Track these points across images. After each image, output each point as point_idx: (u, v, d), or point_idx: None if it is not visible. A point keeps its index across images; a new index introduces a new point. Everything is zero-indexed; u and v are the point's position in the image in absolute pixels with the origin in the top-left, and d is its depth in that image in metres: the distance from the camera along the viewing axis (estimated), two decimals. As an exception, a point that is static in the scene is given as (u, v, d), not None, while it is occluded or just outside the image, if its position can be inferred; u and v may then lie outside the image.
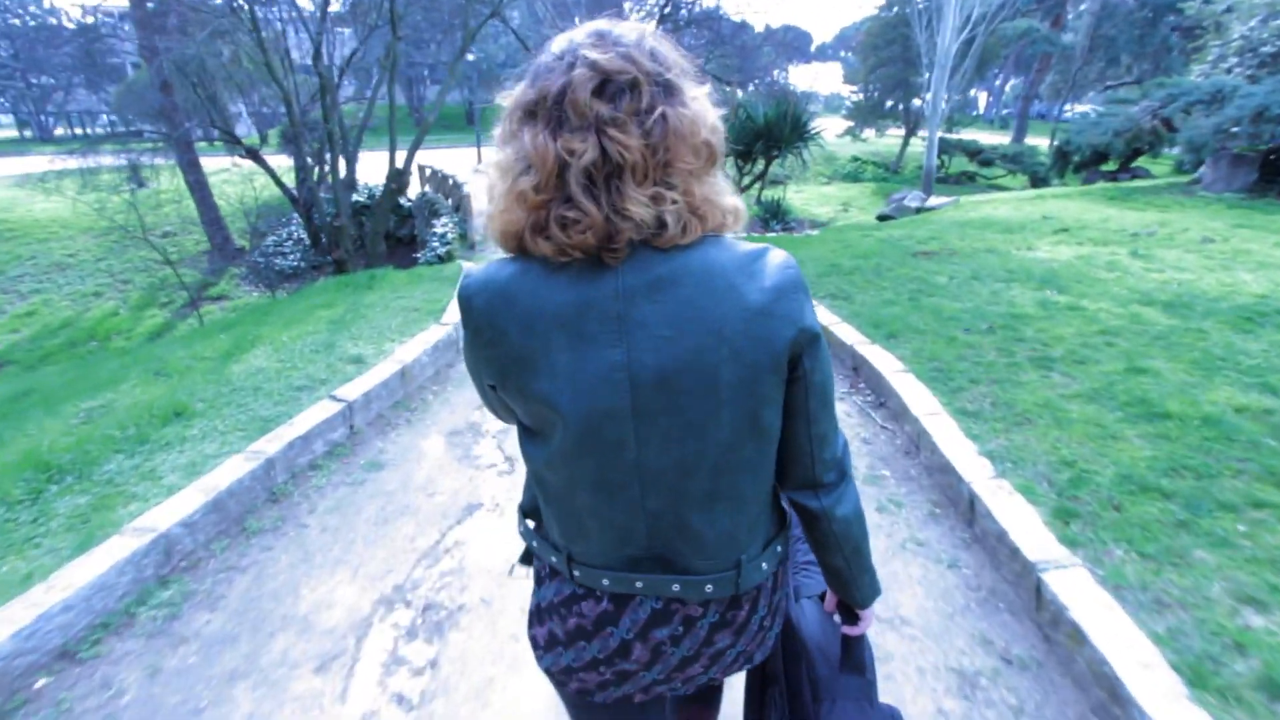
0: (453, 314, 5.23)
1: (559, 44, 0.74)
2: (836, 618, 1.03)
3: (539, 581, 0.93)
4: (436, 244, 9.90)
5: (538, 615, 0.92)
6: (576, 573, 0.84)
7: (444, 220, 10.20)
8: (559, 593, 0.87)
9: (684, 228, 0.72)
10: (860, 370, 4.11)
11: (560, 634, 0.88)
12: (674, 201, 0.71)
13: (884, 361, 3.88)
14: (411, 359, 4.13)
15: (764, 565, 0.86)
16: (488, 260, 0.80)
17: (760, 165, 10.51)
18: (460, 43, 9.05)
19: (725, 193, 0.78)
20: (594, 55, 0.69)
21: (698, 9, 16.81)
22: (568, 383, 0.73)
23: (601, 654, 0.85)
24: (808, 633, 1.03)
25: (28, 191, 15.75)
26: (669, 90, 0.72)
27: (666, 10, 15.71)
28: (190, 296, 11.91)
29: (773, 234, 9.62)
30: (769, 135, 9.56)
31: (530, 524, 0.93)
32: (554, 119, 0.70)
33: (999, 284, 5.46)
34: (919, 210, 13.43)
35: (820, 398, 0.80)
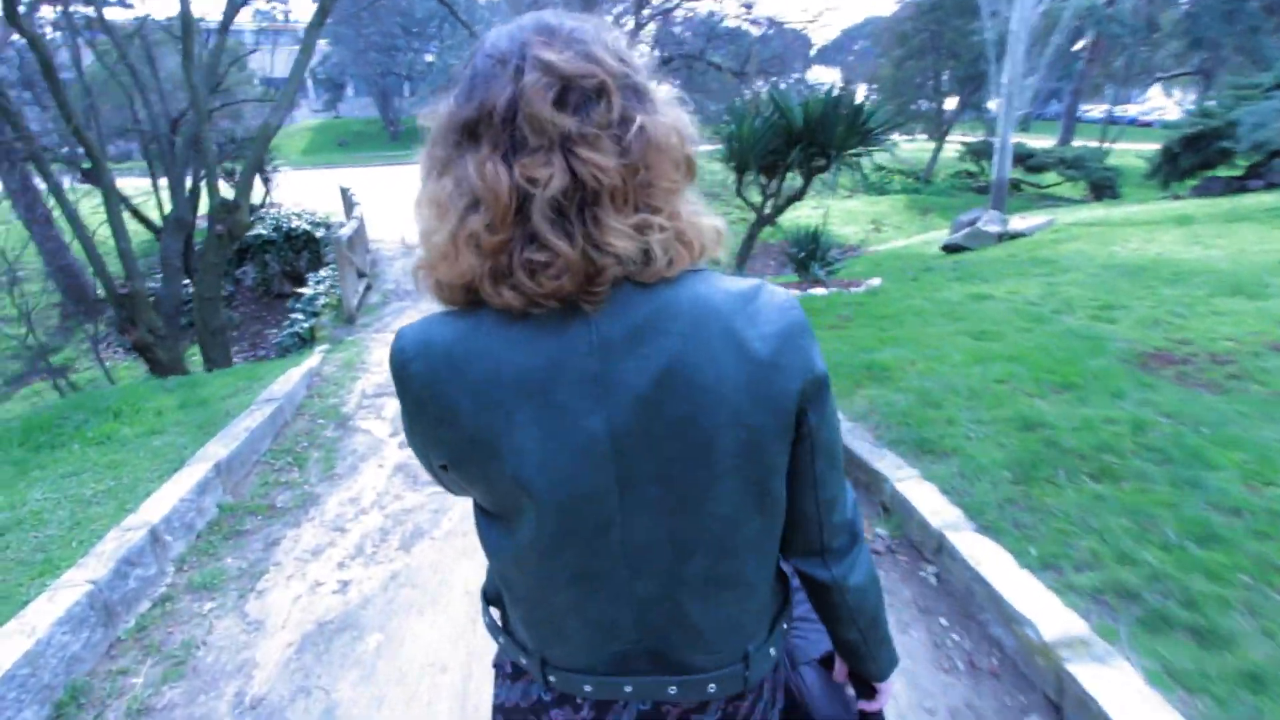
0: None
1: (498, 43, 0.57)
2: (849, 690, 0.88)
3: (501, 675, 0.79)
4: (300, 314, 6.42)
5: (504, 714, 0.78)
6: (553, 678, 0.70)
7: (319, 277, 6.72)
8: (526, 695, 0.75)
9: (671, 258, 0.59)
10: None
11: None
12: (661, 229, 0.57)
13: None
14: None
15: (772, 651, 0.73)
16: (421, 313, 0.65)
17: (795, 181, 7.05)
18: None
19: (704, 212, 0.63)
20: (548, 56, 0.54)
21: (693, 14, 13.42)
22: (539, 464, 0.58)
23: None
24: (816, 708, 0.86)
25: None
26: (639, 95, 0.58)
27: (646, 14, 12.36)
28: (34, 363, 8.32)
29: (821, 292, 6.10)
30: (812, 138, 6.06)
31: (495, 614, 0.78)
32: (504, 140, 0.55)
33: None
34: (1002, 237, 10.03)
35: (828, 458, 0.68)
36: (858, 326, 4.73)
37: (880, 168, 20.85)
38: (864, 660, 0.81)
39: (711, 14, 13.03)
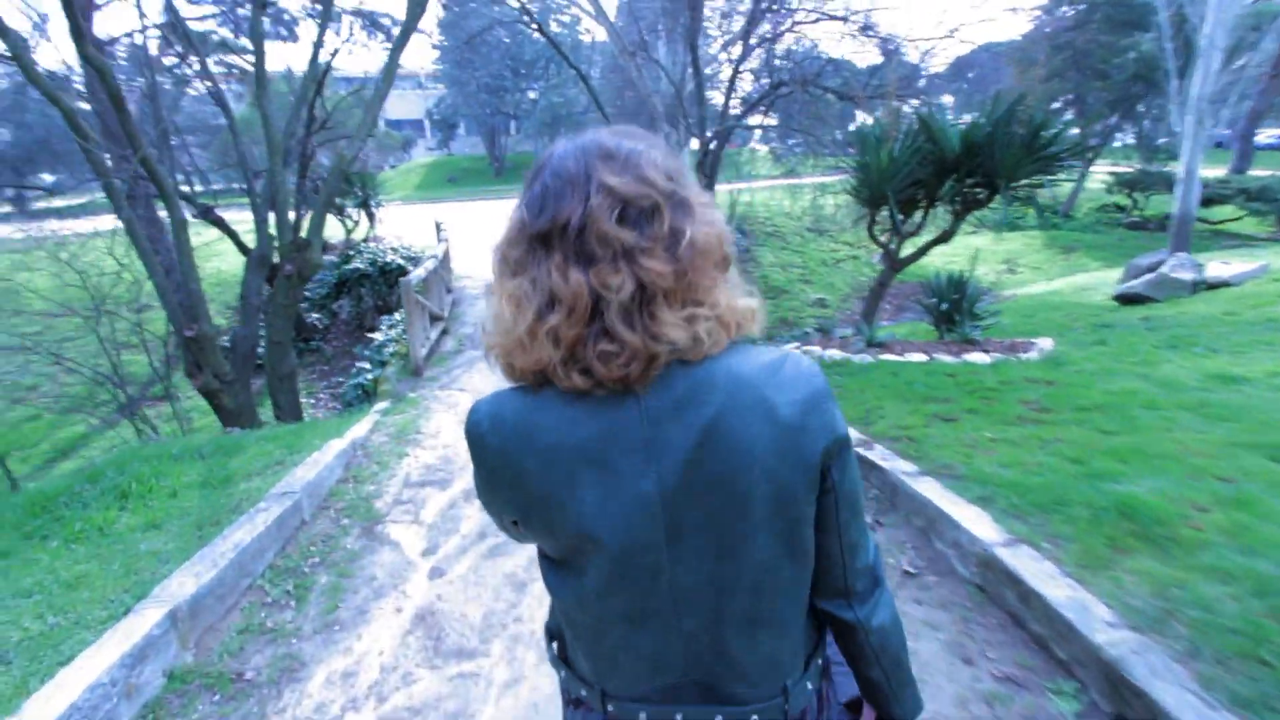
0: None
1: (565, 163, 0.68)
2: None
3: (568, 703, 0.86)
4: (367, 364, 5.82)
5: None
6: (611, 707, 0.78)
7: (392, 320, 6.15)
8: None
9: (714, 341, 0.68)
10: None
11: None
12: (705, 319, 0.67)
13: None
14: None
15: (809, 685, 0.80)
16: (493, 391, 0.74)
17: (942, 216, 5.77)
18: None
19: (740, 294, 0.73)
20: (610, 180, 0.66)
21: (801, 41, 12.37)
22: (599, 519, 0.68)
23: None
24: None
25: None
26: (685, 209, 0.69)
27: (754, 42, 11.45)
28: (117, 401, 8.37)
29: (981, 359, 4.81)
30: (973, 165, 4.79)
31: (556, 648, 0.87)
32: (576, 250, 0.65)
33: None
34: (1198, 286, 8.10)
35: (851, 507, 0.76)
36: (1061, 422, 3.39)
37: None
38: (889, 701, 0.84)
39: (814, 45, 12.00)
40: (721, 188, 14.46)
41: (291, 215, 8.13)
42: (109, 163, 5.25)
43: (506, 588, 2.59)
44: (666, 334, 0.65)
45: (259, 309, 6.37)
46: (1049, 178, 4.99)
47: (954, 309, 6.62)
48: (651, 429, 0.66)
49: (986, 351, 5.30)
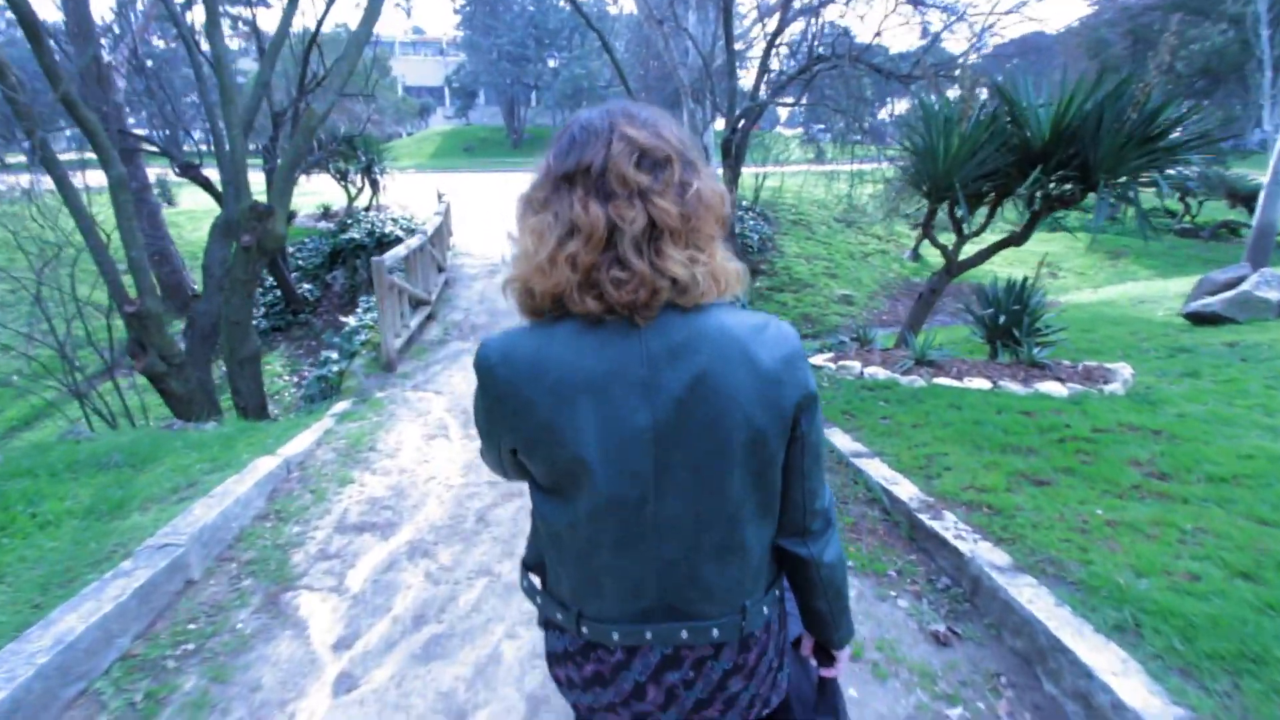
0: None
1: (592, 119, 0.77)
2: (812, 661, 1.02)
3: (547, 628, 0.92)
4: (335, 352, 5.06)
5: (553, 659, 0.92)
6: (585, 629, 0.85)
7: (367, 304, 5.38)
8: (572, 643, 0.87)
9: (704, 289, 0.76)
10: None
11: (577, 679, 0.88)
12: (704, 264, 0.75)
13: None
14: None
15: (765, 609, 0.87)
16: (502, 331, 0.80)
17: (1016, 212, 4.92)
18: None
19: (730, 259, 0.81)
20: (631, 131, 0.74)
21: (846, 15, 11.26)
22: (597, 447, 0.75)
23: (617, 698, 0.86)
24: (788, 682, 0.99)
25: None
26: (693, 167, 0.77)
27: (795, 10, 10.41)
28: (73, 378, 7.47)
29: (1055, 390, 3.96)
30: (1068, 153, 3.90)
31: (534, 579, 0.94)
32: (597, 188, 0.73)
33: None
34: (1289, 307, 7.13)
35: (814, 455, 0.85)
36: (1194, 498, 2.57)
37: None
38: (828, 628, 0.95)
39: (845, 30, 10.92)
40: (747, 170, 13.48)
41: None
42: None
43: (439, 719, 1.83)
44: (670, 268, 0.72)
45: (222, 282, 5.61)
46: (1162, 171, 4.07)
47: (1012, 323, 5.74)
48: (650, 370, 0.74)
49: (1060, 380, 4.45)
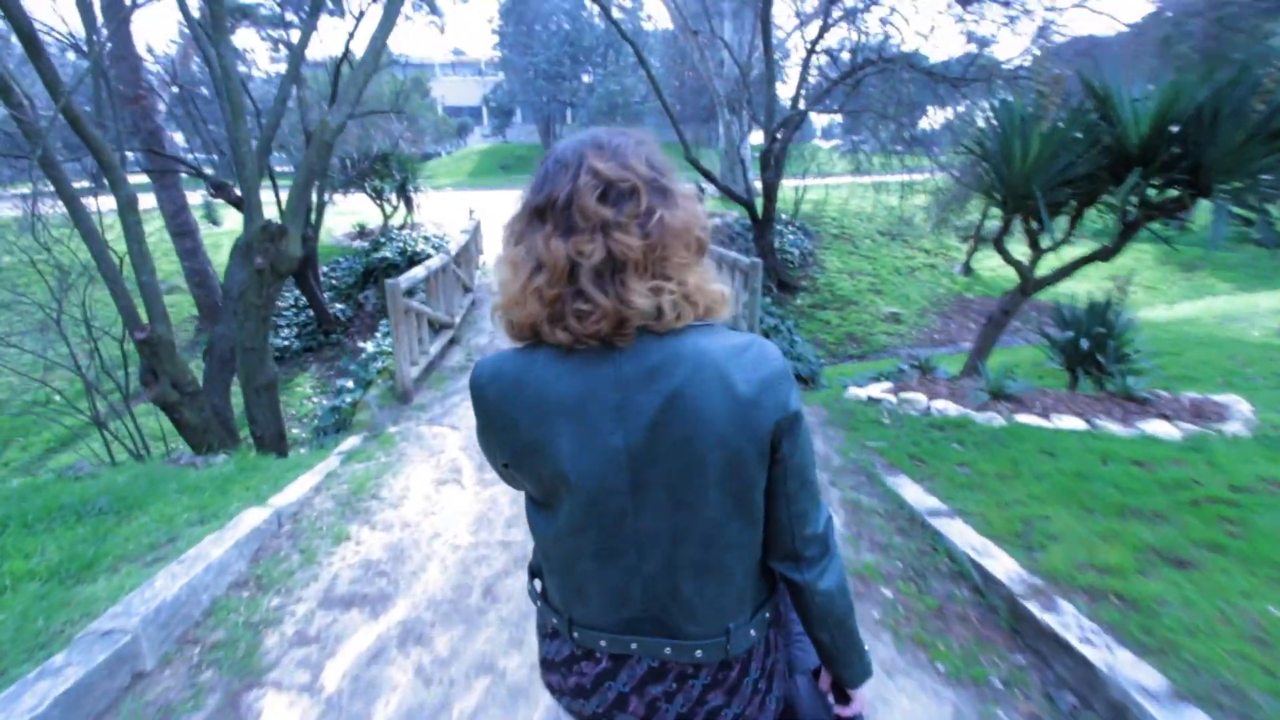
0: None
1: (565, 153, 0.78)
2: (830, 697, 1.00)
3: (543, 635, 0.96)
4: (350, 380, 4.76)
5: (545, 665, 0.95)
6: (576, 634, 0.88)
7: (387, 328, 5.08)
8: (559, 652, 0.91)
9: (679, 314, 0.76)
10: None
11: (563, 687, 0.92)
12: (670, 292, 0.75)
13: None
14: None
15: (752, 633, 0.87)
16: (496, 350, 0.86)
17: (1110, 224, 4.33)
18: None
19: (712, 280, 0.81)
20: (597, 164, 0.75)
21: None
22: (574, 465, 0.77)
23: (600, 708, 0.88)
24: (801, 709, 1.01)
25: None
26: (663, 194, 0.77)
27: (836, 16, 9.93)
28: (93, 406, 7.06)
29: (1167, 433, 3.30)
30: (1172, 154, 3.31)
31: (537, 585, 0.97)
32: (562, 222, 0.75)
33: None
34: None
35: (799, 479, 0.83)
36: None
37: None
38: (837, 664, 0.94)
39: (885, 37, 10.29)
40: (787, 182, 12.95)
41: (274, 201, 7.17)
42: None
43: None
44: (633, 300, 0.73)
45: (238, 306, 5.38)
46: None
47: (1096, 347, 5.09)
48: (622, 394, 0.75)
49: (1166, 418, 3.81)
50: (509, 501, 3.17)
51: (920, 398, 4.24)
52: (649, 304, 0.73)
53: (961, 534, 2.65)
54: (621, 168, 0.75)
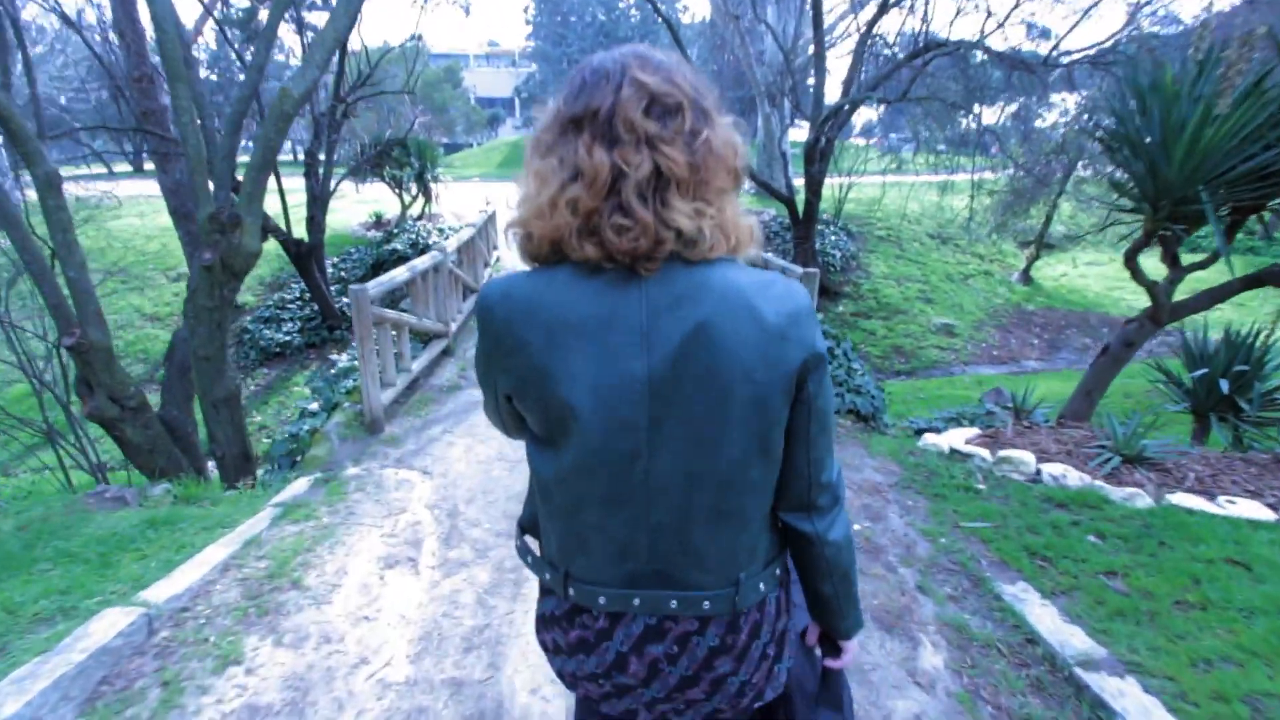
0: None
1: (603, 63, 0.74)
2: (818, 651, 0.98)
3: (542, 591, 0.90)
4: (316, 401, 3.98)
5: (542, 622, 0.90)
6: (571, 590, 0.82)
7: (350, 350, 4.29)
8: (559, 606, 0.85)
9: (712, 244, 0.73)
10: None
11: (562, 644, 0.86)
12: (711, 217, 0.72)
13: None
14: None
15: (761, 585, 0.83)
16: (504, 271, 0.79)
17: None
18: None
19: (743, 214, 0.78)
20: (642, 77, 0.71)
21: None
22: (588, 392, 0.72)
23: (599, 668, 0.84)
24: (790, 672, 0.95)
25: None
26: (706, 116, 0.74)
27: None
28: (44, 418, 5.66)
29: None
30: None
31: (528, 540, 0.94)
32: (604, 133, 0.70)
33: None
34: None
35: (820, 422, 0.80)
36: None
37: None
38: (835, 616, 0.90)
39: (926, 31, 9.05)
40: (828, 180, 11.88)
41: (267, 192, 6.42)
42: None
43: None
44: (675, 219, 0.69)
45: (213, 310, 4.62)
46: None
47: (1238, 389, 4.05)
48: (650, 319, 0.71)
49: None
50: (474, 600, 2.31)
51: (1025, 457, 3.26)
52: (691, 225, 0.70)
53: (1141, 707, 1.72)
54: (667, 82, 0.71)
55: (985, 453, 3.40)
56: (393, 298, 5.58)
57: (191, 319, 4.15)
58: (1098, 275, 13.83)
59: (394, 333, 4.06)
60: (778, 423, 0.75)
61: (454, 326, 5.22)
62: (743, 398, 0.72)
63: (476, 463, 3.39)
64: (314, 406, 3.96)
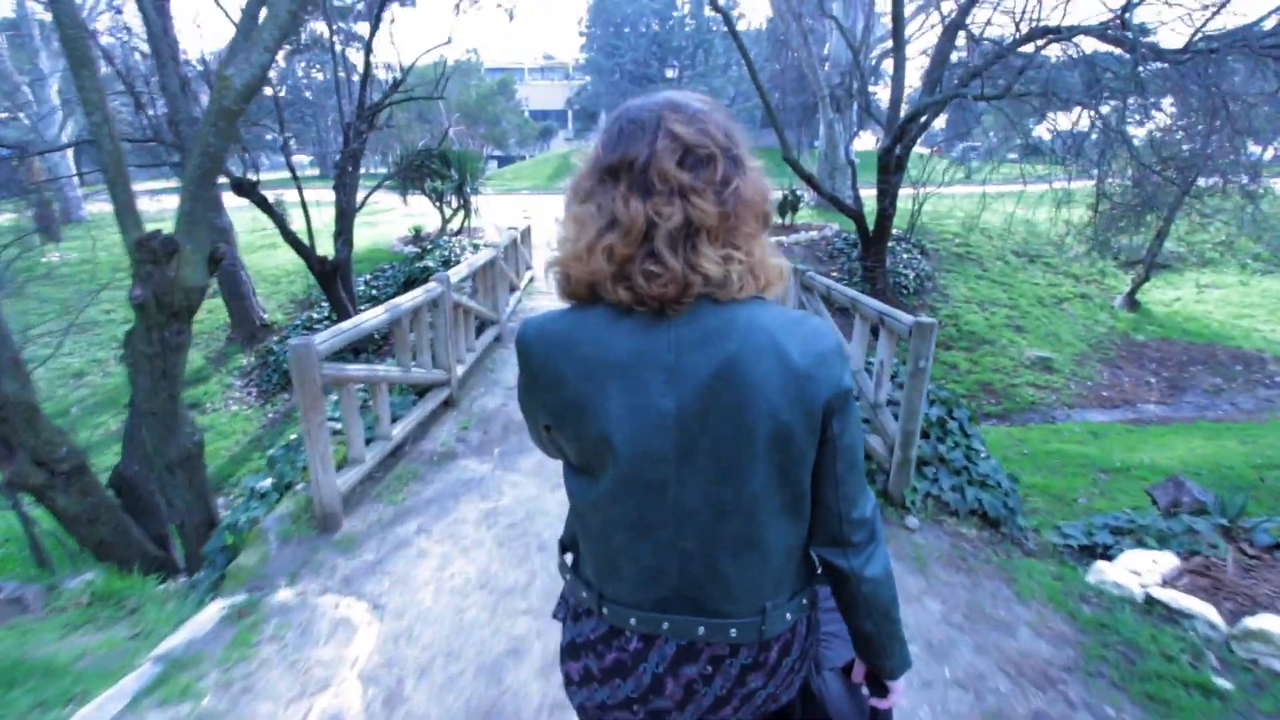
0: None
1: (640, 113, 0.77)
2: (864, 690, 0.96)
3: (574, 618, 0.92)
4: (270, 479, 3.09)
5: (571, 651, 0.91)
6: (605, 610, 0.85)
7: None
8: (595, 629, 0.87)
9: (742, 285, 0.77)
10: None
11: (595, 670, 0.87)
12: (740, 262, 0.76)
13: None
14: None
15: (788, 615, 0.86)
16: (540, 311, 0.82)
17: None
18: None
19: (772, 254, 0.82)
20: (676, 128, 0.75)
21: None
22: (621, 427, 0.76)
23: (635, 692, 0.84)
24: (832, 707, 0.98)
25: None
26: (737, 163, 0.78)
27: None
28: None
29: None
30: None
31: (568, 559, 0.95)
32: (639, 184, 0.74)
33: None
34: None
35: (848, 461, 0.82)
36: None
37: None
38: (878, 655, 0.90)
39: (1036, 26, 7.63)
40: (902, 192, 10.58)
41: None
42: None
43: None
44: (704, 266, 0.73)
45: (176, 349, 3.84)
46: None
47: None
48: (677, 356, 0.74)
49: None
50: None
51: (1272, 625, 2.07)
52: (719, 271, 0.74)
53: None
54: (700, 134, 0.75)
55: (1211, 612, 2.21)
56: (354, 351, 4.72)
57: (131, 367, 3.37)
58: (1218, 300, 11.95)
59: (369, 393, 3.16)
60: (801, 461, 0.78)
61: (460, 370, 4.31)
62: (766, 433, 0.75)
63: (449, 592, 2.42)
64: (266, 484, 3.09)
